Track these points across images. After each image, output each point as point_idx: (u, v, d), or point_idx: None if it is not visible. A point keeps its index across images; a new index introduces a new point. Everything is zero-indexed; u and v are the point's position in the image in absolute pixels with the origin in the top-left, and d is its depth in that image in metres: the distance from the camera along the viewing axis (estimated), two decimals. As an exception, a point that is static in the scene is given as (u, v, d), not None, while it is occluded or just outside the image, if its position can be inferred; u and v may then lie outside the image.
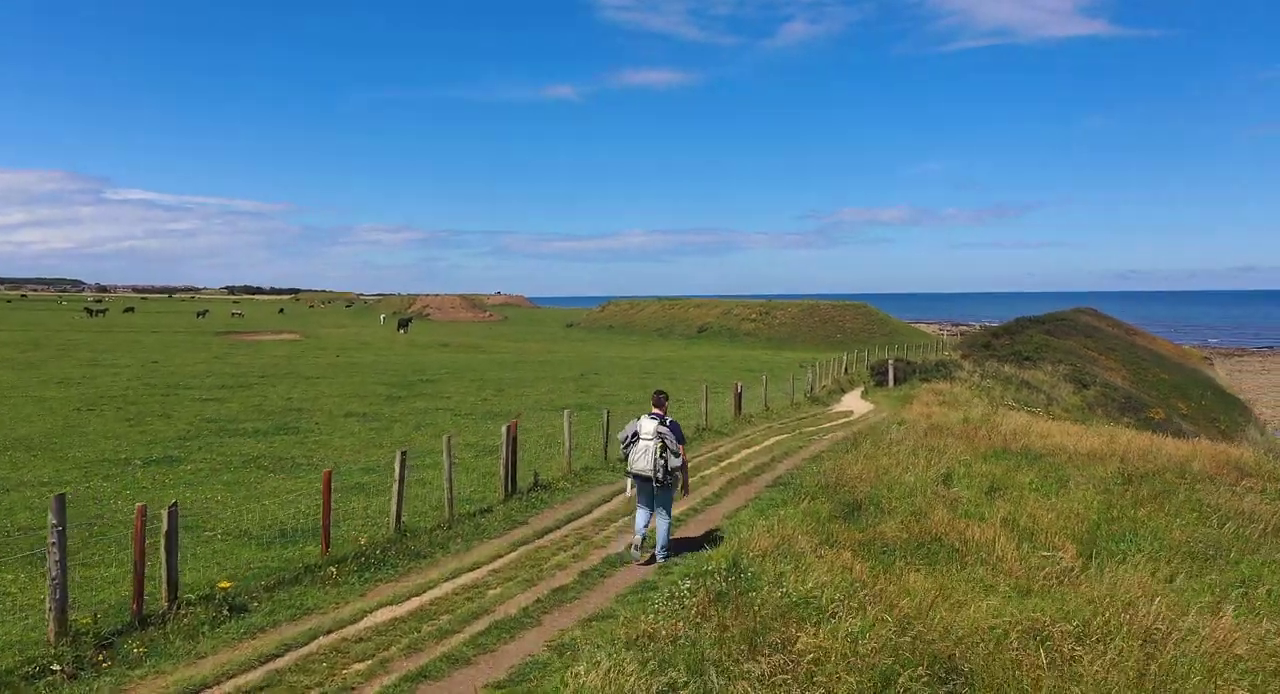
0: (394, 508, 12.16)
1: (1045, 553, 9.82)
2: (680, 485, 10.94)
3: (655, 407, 10.92)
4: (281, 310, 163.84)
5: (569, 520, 13.49)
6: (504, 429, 14.76)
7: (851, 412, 28.65)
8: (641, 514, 10.89)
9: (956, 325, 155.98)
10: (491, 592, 9.81)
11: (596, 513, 13.96)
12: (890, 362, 36.11)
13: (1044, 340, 41.97)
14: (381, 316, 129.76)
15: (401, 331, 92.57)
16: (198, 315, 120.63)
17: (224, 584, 9.54)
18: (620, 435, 10.86)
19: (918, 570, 8.86)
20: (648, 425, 10.57)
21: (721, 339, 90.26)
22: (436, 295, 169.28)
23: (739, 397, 24.60)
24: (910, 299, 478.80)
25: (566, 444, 16.71)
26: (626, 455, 10.72)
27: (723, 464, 17.69)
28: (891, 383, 35.17)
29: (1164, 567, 9.51)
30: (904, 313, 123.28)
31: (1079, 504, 12.13)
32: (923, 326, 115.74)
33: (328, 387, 34.25)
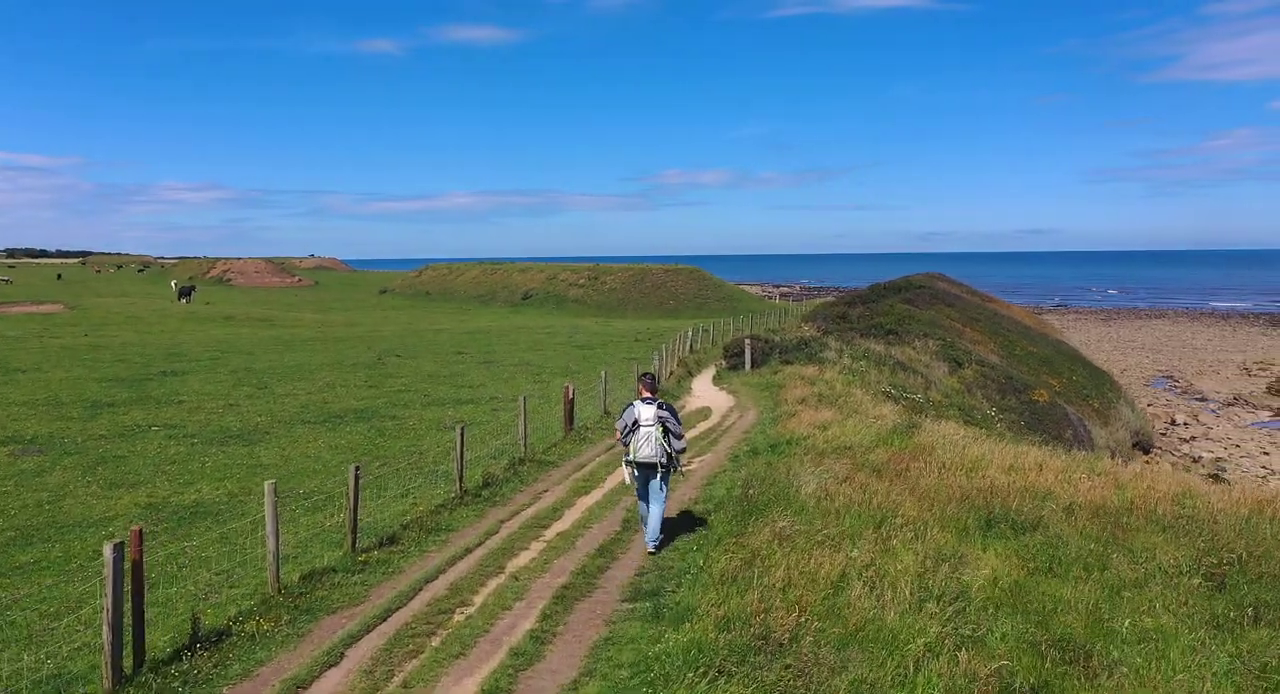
0: None
1: None
2: (678, 468, 10.81)
3: (647, 390, 10.64)
4: (59, 276, 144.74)
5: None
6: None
7: (709, 410, 22.94)
8: (645, 509, 10.69)
9: (777, 287, 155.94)
10: None
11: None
12: (747, 340, 30.70)
13: (906, 311, 37.78)
14: (173, 283, 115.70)
15: (183, 301, 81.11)
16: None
17: None
18: (619, 424, 10.72)
19: None
20: (646, 411, 10.43)
21: (548, 306, 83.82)
22: (240, 259, 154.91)
23: (571, 405, 18.29)
24: (732, 261, 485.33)
25: (270, 547, 9.30)
26: (627, 444, 10.50)
27: (548, 537, 11.36)
28: (749, 365, 29.81)
29: None
30: (728, 275, 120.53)
31: None
32: (746, 288, 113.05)
33: (24, 385, 25.70)
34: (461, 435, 13.20)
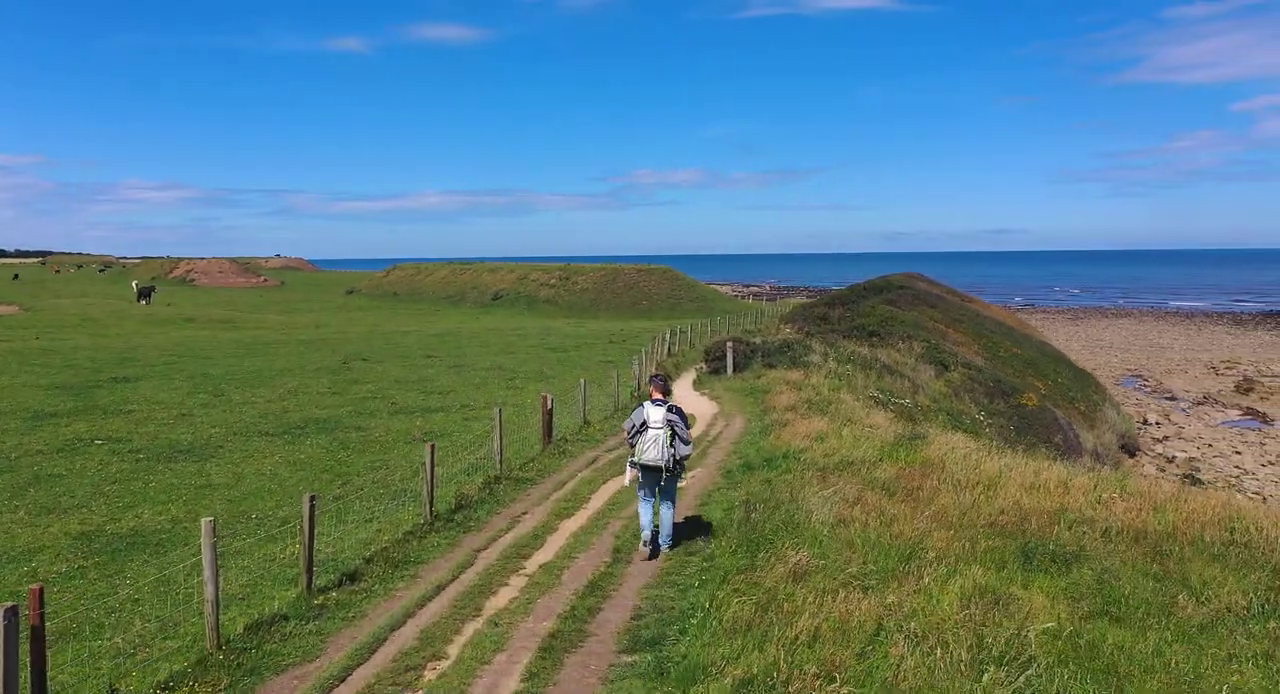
0: None
1: None
2: (684, 474, 10.78)
3: (658, 393, 10.49)
4: (16, 276, 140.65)
5: None
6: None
7: (693, 417, 21.77)
8: (645, 510, 10.49)
9: (747, 286, 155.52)
10: None
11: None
12: (728, 343, 29.60)
13: (888, 312, 36.85)
14: (134, 283, 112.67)
15: (143, 302, 78.75)
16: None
17: None
18: (626, 425, 10.58)
19: None
20: (655, 413, 10.27)
21: (518, 307, 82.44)
22: (203, 259, 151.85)
23: (549, 415, 17.05)
24: (703, 261, 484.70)
25: (209, 595, 7.92)
26: (634, 445, 10.35)
27: (530, 570, 10.14)
28: (731, 369, 28.71)
29: None
30: (699, 276, 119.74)
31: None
32: (718, 288, 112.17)
33: (-40, 396, 24.04)
34: (432, 454, 11.96)
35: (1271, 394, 49.81)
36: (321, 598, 9.02)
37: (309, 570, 9.03)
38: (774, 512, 10.90)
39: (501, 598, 9.30)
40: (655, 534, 10.52)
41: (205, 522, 7.69)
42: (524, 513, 12.69)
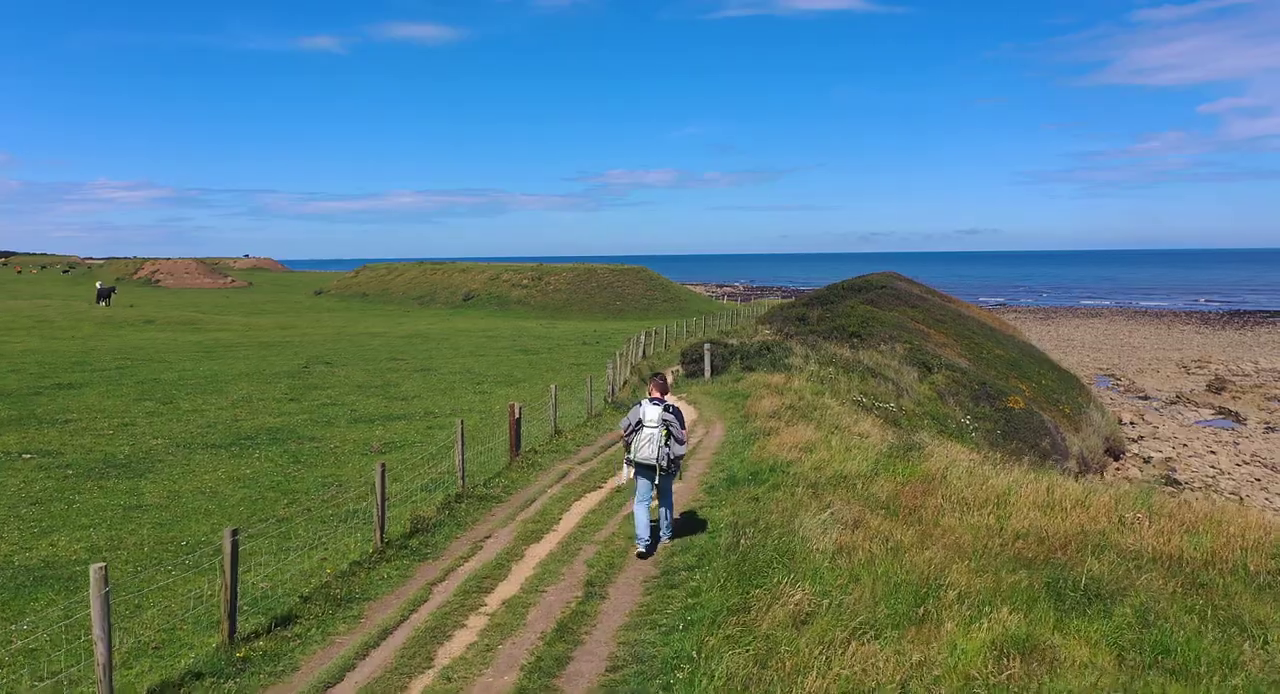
0: None
1: None
2: (680, 473, 10.88)
3: (657, 391, 10.56)
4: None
5: None
6: None
7: (671, 424, 20.61)
8: (641, 512, 10.42)
9: (721, 286, 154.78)
10: None
11: None
12: (706, 346, 28.48)
13: (868, 312, 35.87)
14: (98, 284, 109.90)
15: (102, 304, 76.49)
16: None
17: None
18: (623, 423, 10.56)
19: None
20: (652, 412, 10.32)
21: (490, 307, 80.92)
22: (169, 260, 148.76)
23: (517, 425, 15.80)
24: (676, 261, 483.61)
25: (99, 656, 6.47)
26: (629, 443, 10.38)
27: (491, 608, 8.92)
28: (709, 373, 27.60)
29: None
30: (672, 276, 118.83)
31: None
32: (692, 288, 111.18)
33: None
34: (382, 475, 10.71)
35: (1243, 393, 49.57)
36: (245, 649, 7.76)
37: (231, 617, 7.78)
38: (765, 536, 9.75)
39: (457, 644, 8.09)
40: (655, 529, 10.63)
41: (95, 569, 6.44)
42: (487, 536, 11.47)
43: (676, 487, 13.83)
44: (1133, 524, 9.86)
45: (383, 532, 10.73)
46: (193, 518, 12.50)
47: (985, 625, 7.05)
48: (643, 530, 10.35)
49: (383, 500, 10.70)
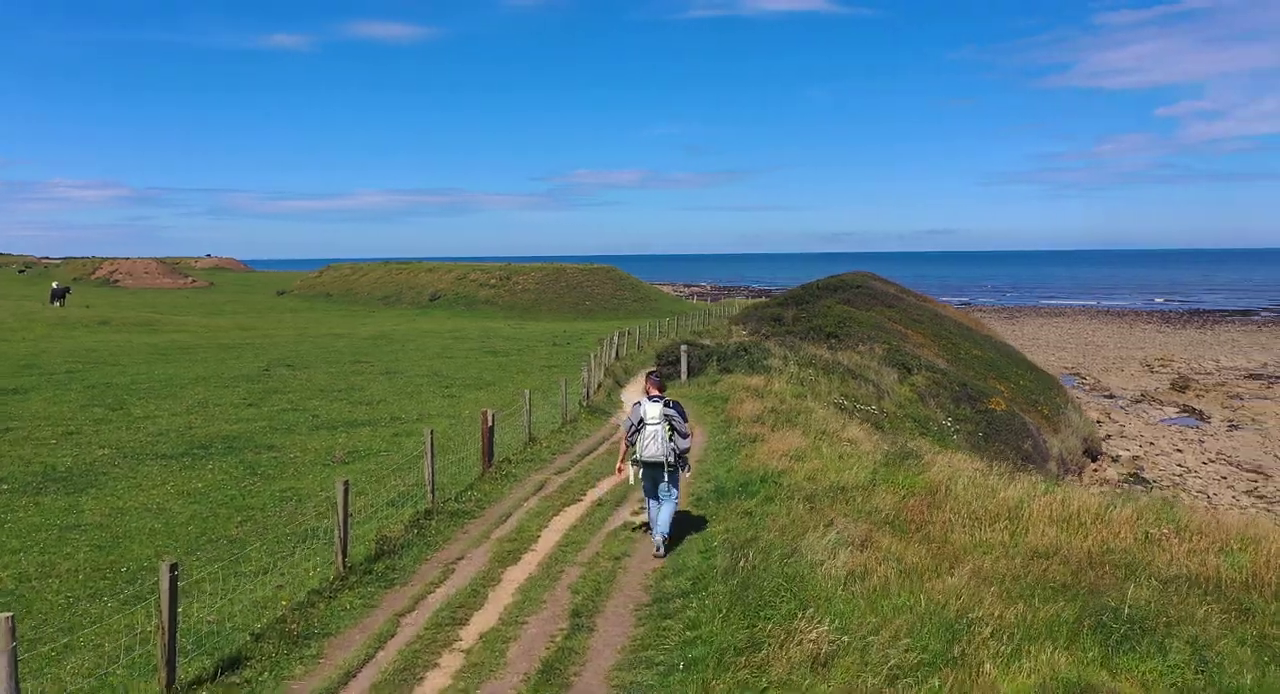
0: None
1: None
2: (686, 467, 10.76)
3: (654, 388, 10.60)
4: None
5: None
6: None
7: (650, 429, 19.74)
8: (654, 508, 10.57)
9: (689, 286, 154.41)
10: None
11: None
12: (682, 347, 27.67)
13: (845, 312, 35.27)
14: (53, 284, 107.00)
15: (56, 304, 74.19)
16: None
17: None
18: (624, 423, 10.70)
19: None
20: (652, 409, 10.37)
21: (457, 307, 79.59)
22: (129, 259, 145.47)
23: (490, 434, 14.86)
24: (644, 261, 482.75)
25: None
26: (633, 443, 10.46)
27: (466, 643, 7.99)
28: (685, 375, 26.80)
29: None
30: (641, 275, 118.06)
31: None
32: (661, 288, 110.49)
33: None
34: (345, 493, 9.74)
35: (1206, 391, 49.71)
36: (186, 700, 6.80)
37: (170, 663, 6.81)
38: (766, 558, 8.93)
39: (429, 687, 7.18)
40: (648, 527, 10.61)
41: (4, 617, 5.45)
42: (460, 558, 10.54)
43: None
44: (1160, 541, 9.15)
45: (345, 555, 9.77)
46: (135, 539, 11.45)
47: (1029, 665, 6.27)
48: (664, 525, 10.33)
49: (345, 520, 9.74)
